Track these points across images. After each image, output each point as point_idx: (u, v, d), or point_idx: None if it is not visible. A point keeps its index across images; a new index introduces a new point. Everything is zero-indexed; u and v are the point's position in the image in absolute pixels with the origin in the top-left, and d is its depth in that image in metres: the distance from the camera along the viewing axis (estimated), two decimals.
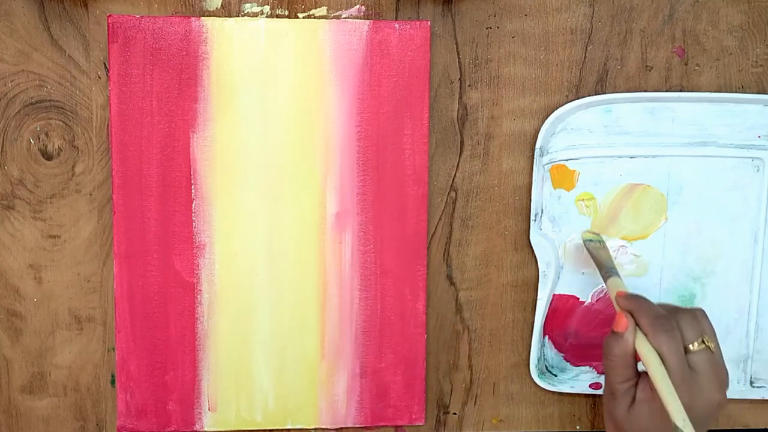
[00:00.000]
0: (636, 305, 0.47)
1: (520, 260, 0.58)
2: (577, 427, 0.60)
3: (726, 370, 0.47)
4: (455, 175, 0.57)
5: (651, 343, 0.45)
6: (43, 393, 0.56)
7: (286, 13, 0.55)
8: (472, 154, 0.57)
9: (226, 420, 0.57)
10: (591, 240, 0.55)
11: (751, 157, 0.57)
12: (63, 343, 0.56)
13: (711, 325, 0.47)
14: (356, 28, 0.54)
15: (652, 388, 0.44)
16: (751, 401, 0.60)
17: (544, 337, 0.58)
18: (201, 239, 0.55)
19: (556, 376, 0.59)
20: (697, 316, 0.47)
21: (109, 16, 0.53)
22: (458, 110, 0.56)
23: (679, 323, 0.46)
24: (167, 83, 0.54)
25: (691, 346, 0.45)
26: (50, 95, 0.54)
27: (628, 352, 0.46)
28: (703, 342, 0.46)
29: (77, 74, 0.54)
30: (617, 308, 0.48)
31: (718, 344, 0.47)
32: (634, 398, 0.46)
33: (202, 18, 0.54)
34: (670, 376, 0.43)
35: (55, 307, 0.56)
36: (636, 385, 0.47)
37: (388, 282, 0.57)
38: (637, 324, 0.46)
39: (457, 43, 0.56)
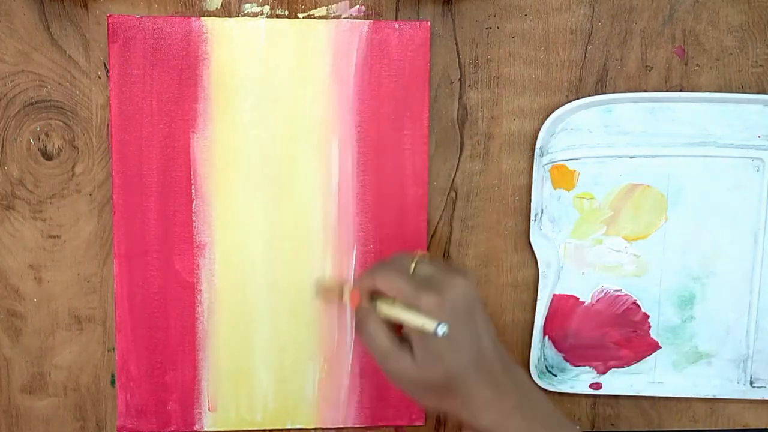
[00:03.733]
0: (360, 278, 0.49)
1: (520, 260, 0.58)
2: (577, 427, 0.60)
3: (451, 264, 0.48)
4: (455, 175, 0.57)
5: (382, 295, 0.47)
6: (43, 393, 0.56)
7: (286, 13, 0.55)
8: (472, 154, 0.57)
9: (226, 420, 0.57)
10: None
11: (751, 157, 0.57)
12: (63, 343, 0.56)
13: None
14: (356, 28, 0.54)
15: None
16: (751, 401, 0.60)
17: (544, 337, 0.58)
18: (201, 239, 0.55)
19: (556, 376, 0.59)
20: (404, 251, 0.50)
21: (109, 16, 0.53)
22: (458, 110, 0.56)
23: (392, 261, 0.48)
24: (167, 83, 0.54)
25: (411, 269, 0.47)
26: (50, 95, 0.54)
27: (376, 318, 0.47)
28: (416, 258, 0.47)
29: (77, 74, 0.54)
30: (352, 289, 0.50)
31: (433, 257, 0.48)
32: (410, 349, 0.46)
33: (202, 18, 0.54)
34: (406, 299, 0.45)
35: (55, 307, 0.56)
36: (402, 337, 0.47)
37: None
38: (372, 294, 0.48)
39: (457, 43, 0.56)
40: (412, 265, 0.47)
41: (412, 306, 0.45)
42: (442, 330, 0.43)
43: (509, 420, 0.45)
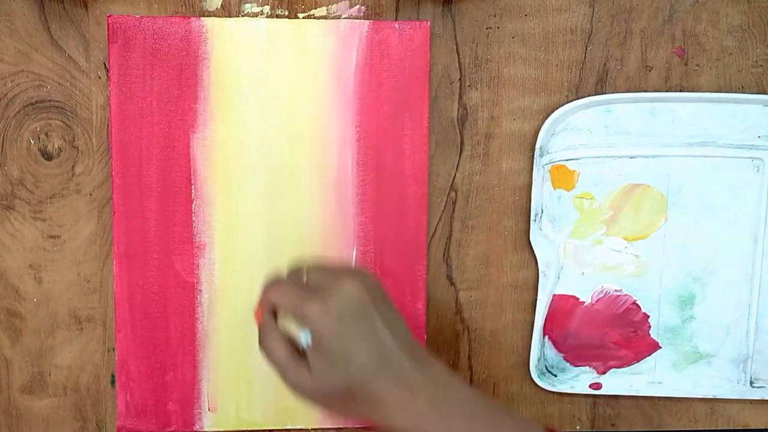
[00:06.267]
0: (261, 294, 0.47)
1: (520, 260, 0.58)
2: (577, 427, 0.60)
3: (346, 265, 0.47)
4: (455, 175, 0.57)
5: (277, 304, 0.46)
6: (43, 393, 0.56)
7: (286, 13, 0.55)
8: (472, 154, 0.57)
9: (226, 420, 0.57)
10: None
11: (751, 157, 0.57)
12: (63, 343, 0.56)
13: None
14: (356, 28, 0.54)
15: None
16: (751, 401, 0.60)
17: (544, 337, 0.58)
18: (201, 239, 0.55)
19: (556, 376, 0.59)
20: (299, 261, 0.48)
21: (109, 16, 0.53)
22: (458, 110, 0.56)
23: (289, 272, 0.47)
24: (167, 83, 0.54)
25: (303, 279, 0.46)
26: (50, 95, 0.54)
27: (276, 333, 0.45)
28: (307, 267, 0.46)
29: (77, 74, 0.54)
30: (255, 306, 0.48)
31: (330, 259, 0.47)
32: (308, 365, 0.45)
33: (202, 18, 0.54)
34: (294, 311, 0.44)
35: (55, 307, 0.56)
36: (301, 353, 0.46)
37: (389, 282, 0.56)
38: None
39: (457, 43, 0.56)
40: (305, 275, 0.46)
41: (299, 318, 0.44)
42: (305, 339, 0.43)
43: (424, 419, 0.43)
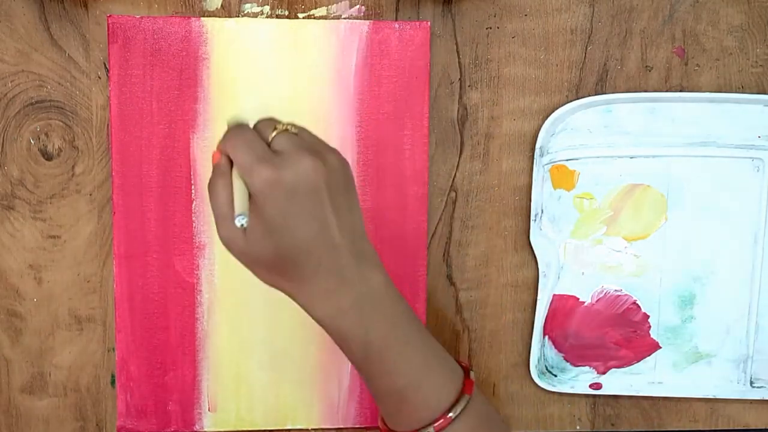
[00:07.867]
0: (224, 138, 0.44)
1: (520, 260, 0.58)
2: (577, 427, 0.60)
3: (319, 141, 0.44)
4: (455, 175, 0.57)
5: (230, 156, 0.43)
6: (43, 393, 0.56)
7: (286, 13, 0.55)
8: (472, 154, 0.57)
9: (226, 420, 0.57)
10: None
11: (751, 157, 0.57)
12: (63, 343, 0.56)
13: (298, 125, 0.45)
14: (356, 28, 0.54)
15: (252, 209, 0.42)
16: (751, 401, 0.60)
17: (544, 337, 0.58)
18: (201, 239, 0.55)
19: (556, 376, 0.59)
20: (274, 118, 0.44)
21: (109, 16, 0.53)
22: (458, 110, 0.56)
23: (256, 126, 0.44)
24: (167, 84, 0.54)
25: (269, 139, 0.42)
26: (50, 95, 0.54)
27: (226, 180, 0.43)
28: (278, 128, 0.43)
29: (77, 74, 0.54)
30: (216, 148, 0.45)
31: (306, 129, 0.44)
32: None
33: (202, 18, 0.54)
34: (243, 171, 0.41)
35: (55, 307, 0.56)
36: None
37: None
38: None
39: (457, 43, 0.56)
40: (272, 135, 0.42)
41: (246, 179, 0.41)
42: (240, 222, 0.41)
43: (344, 315, 0.42)
